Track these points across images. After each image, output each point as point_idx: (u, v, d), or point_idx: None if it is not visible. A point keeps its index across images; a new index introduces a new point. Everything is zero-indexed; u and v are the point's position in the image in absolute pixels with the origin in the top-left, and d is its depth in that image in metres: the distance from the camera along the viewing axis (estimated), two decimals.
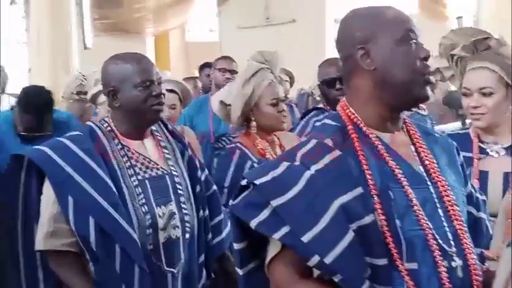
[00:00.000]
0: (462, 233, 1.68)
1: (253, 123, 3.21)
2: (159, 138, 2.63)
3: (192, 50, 12.00)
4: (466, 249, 1.67)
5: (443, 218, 1.68)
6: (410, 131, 1.78)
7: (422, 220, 1.63)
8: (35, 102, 4.13)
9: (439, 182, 1.71)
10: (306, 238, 1.53)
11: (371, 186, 1.61)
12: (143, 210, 2.43)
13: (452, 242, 1.66)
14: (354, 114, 1.71)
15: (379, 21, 1.69)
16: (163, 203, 2.50)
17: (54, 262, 2.43)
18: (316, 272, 1.61)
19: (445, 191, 1.71)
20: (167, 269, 2.48)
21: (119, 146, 2.51)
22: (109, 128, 2.54)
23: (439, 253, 1.62)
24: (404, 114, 1.79)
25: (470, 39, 2.64)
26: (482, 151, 2.62)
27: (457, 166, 1.84)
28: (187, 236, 2.54)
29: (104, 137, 2.51)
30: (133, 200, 2.43)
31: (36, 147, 2.48)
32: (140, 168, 2.51)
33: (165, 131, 2.69)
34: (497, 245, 1.83)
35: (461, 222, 1.70)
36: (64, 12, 8.80)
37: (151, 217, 2.43)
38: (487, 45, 2.61)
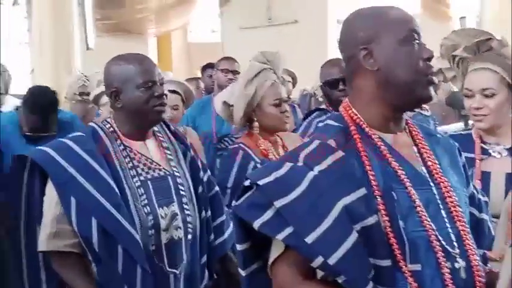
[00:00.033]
0: (465, 234, 1.68)
1: (256, 124, 3.21)
2: (161, 139, 2.63)
3: (194, 50, 12.00)
4: (469, 251, 1.67)
5: (446, 219, 1.67)
6: (413, 132, 1.78)
7: (425, 221, 1.63)
8: (41, 102, 4.14)
9: (441, 183, 1.71)
10: (309, 239, 1.53)
11: (374, 187, 1.61)
12: (145, 211, 2.43)
13: (455, 243, 1.66)
14: (356, 114, 1.71)
15: (382, 21, 1.68)
16: (166, 203, 2.50)
17: (57, 263, 2.43)
18: (319, 273, 1.61)
19: (447, 192, 1.70)
20: (169, 269, 2.48)
21: (121, 147, 2.51)
22: (111, 128, 2.54)
23: (443, 254, 1.62)
24: (407, 115, 1.79)
25: (472, 40, 2.63)
26: (485, 152, 2.62)
27: (459, 167, 1.84)
28: (189, 236, 2.55)
29: (106, 138, 2.51)
30: (135, 200, 2.43)
31: (39, 148, 2.49)
32: (142, 169, 2.51)
33: (168, 131, 2.69)
34: (500, 246, 1.83)
35: (464, 224, 1.70)
36: (66, 13, 8.80)
37: (154, 218, 2.44)
38: (489, 46, 2.61)
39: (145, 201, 2.45)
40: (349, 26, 1.74)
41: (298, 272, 1.60)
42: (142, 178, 2.49)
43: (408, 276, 1.58)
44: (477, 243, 1.75)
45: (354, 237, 1.54)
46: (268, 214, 1.58)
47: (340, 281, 1.53)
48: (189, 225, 2.55)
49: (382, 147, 1.68)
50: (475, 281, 1.66)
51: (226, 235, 2.78)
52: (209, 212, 2.71)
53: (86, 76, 5.54)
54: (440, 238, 1.63)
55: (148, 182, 2.49)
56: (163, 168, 2.56)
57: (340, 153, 1.63)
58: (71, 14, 8.94)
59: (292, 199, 1.57)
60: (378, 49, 1.67)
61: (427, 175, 1.72)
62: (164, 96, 2.53)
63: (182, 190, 2.57)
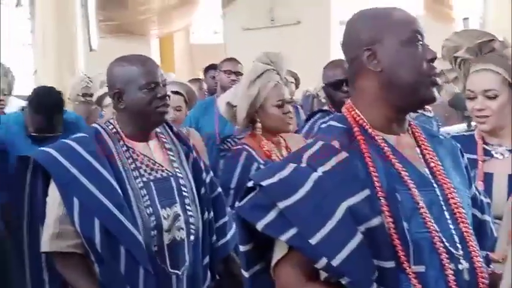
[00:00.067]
0: (468, 236, 1.68)
1: (259, 125, 3.21)
2: (164, 140, 2.63)
3: (196, 51, 12.00)
4: (473, 252, 1.67)
5: (449, 221, 1.67)
6: (416, 133, 1.78)
7: (429, 223, 1.62)
8: (46, 102, 4.15)
9: (444, 185, 1.71)
10: (313, 240, 1.53)
11: (378, 188, 1.60)
12: (148, 212, 2.43)
13: (458, 245, 1.65)
14: (359, 116, 1.71)
15: (386, 22, 1.68)
16: (168, 204, 2.50)
17: (60, 264, 2.44)
18: (323, 274, 1.61)
19: (450, 193, 1.70)
20: (172, 270, 2.48)
21: (124, 148, 2.51)
22: (114, 129, 2.55)
23: (446, 256, 1.62)
24: (410, 116, 1.79)
25: (474, 42, 2.63)
26: (487, 153, 2.62)
27: (461, 168, 1.84)
28: (191, 238, 2.55)
29: (109, 139, 2.51)
30: (138, 201, 2.43)
31: (42, 148, 2.49)
32: (145, 170, 2.51)
33: (170, 133, 2.69)
34: (502, 247, 1.83)
35: (467, 225, 1.69)
36: (69, 14, 8.83)
37: (156, 219, 2.44)
38: (492, 47, 2.60)
39: (148, 202, 2.45)
40: (352, 27, 1.74)
41: (301, 273, 1.60)
42: (145, 179, 2.49)
43: (412, 278, 1.57)
44: (479, 244, 1.75)
45: (358, 238, 1.53)
46: (271, 215, 1.58)
47: (344, 282, 1.53)
48: (192, 226, 2.55)
49: (385, 148, 1.68)
50: (478, 283, 1.66)
51: (228, 236, 2.77)
52: (212, 213, 2.71)
53: (88, 77, 5.56)
54: (444, 240, 1.63)
55: (151, 183, 2.50)
56: (166, 169, 2.56)
57: (344, 154, 1.63)
58: (74, 16, 8.97)
59: (296, 200, 1.57)
60: (381, 50, 1.67)
61: (430, 176, 1.71)
62: (167, 98, 2.53)
63: (185, 191, 2.57)
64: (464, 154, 1.90)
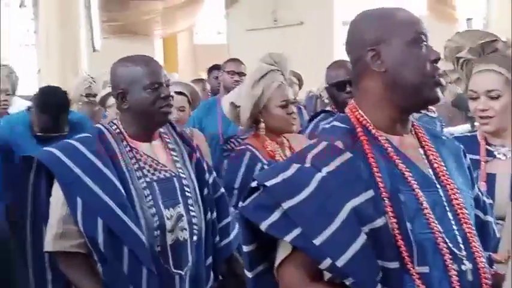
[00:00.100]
0: (471, 237, 1.68)
1: (262, 125, 3.20)
2: (168, 140, 2.64)
3: (200, 52, 12.02)
4: (476, 253, 1.67)
5: (452, 222, 1.67)
6: (419, 134, 1.78)
7: (432, 223, 1.62)
8: (52, 102, 4.15)
9: (447, 185, 1.71)
10: (317, 241, 1.52)
11: (381, 189, 1.60)
12: (151, 212, 2.43)
13: (462, 246, 1.65)
14: (362, 116, 1.71)
15: (390, 23, 1.68)
16: (171, 205, 2.50)
17: (64, 263, 2.44)
18: (326, 275, 1.60)
19: (454, 194, 1.70)
20: (175, 271, 2.48)
21: (128, 148, 2.51)
22: (118, 130, 2.55)
23: (450, 257, 1.61)
24: (413, 117, 1.79)
25: (476, 42, 2.62)
26: (490, 154, 2.61)
27: (464, 169, 1.84)
28: (194, 238, 2.55)
29: (112, 139, 2.52)
30: (141, 201, 2.43)
31: (45, 148, 2.49)
32: (148, 170, 2.51)
33: (174, 133, 2.70)
34: (505, 247, 1.82)
35: (470, 226, 1.69)
36: (73, 15, 8.84)
37: (159, 219, 2.44)
38: (494, 47, 2.60)
39: (151, 203, 2.45)
40: (356, 27, 1.74)
41: (305, 274, 1.59)
42: (148, 179, 2.49)
43: (416, 279, 1.57)
44: (483, 245, 1.74)
45: (362, 239, 1.53)
46: (275, 215, 1.58)
47: (348, 283, 1.53)
48: (195, 227, 2.55)
49: (389, 149, 1.68)
50: (481, 283, 1.66)
51: (231, 237, 2.78)
52: (215, 214, 2.71)
53: (92, 78, 5.55)
54: (447, 240, 1.63)
55: (154, 183, 2.50)
56: (169, 169, 2.57)
57: (347, 155, 1.63)
58: (77, 16, 8.99)
59: (300, 200, 1.57)
60: (385, 51, 1.66)
61: (433, 177, 1.71)
62: (170, 98, 2.54)
63: (188, 192, 2.57)
64: (467, 155, 1.90)
